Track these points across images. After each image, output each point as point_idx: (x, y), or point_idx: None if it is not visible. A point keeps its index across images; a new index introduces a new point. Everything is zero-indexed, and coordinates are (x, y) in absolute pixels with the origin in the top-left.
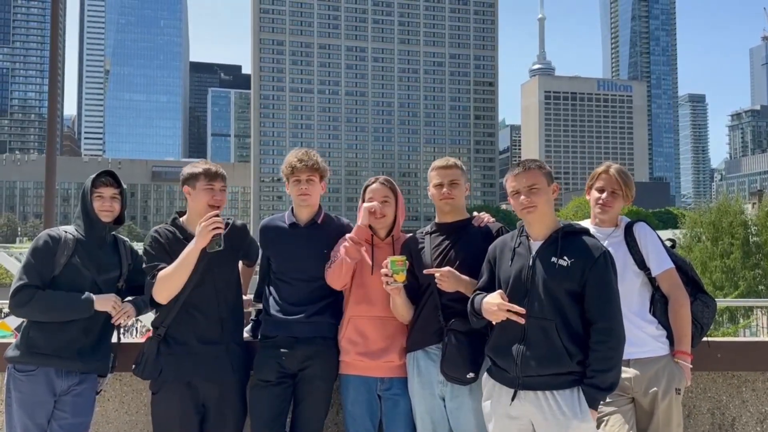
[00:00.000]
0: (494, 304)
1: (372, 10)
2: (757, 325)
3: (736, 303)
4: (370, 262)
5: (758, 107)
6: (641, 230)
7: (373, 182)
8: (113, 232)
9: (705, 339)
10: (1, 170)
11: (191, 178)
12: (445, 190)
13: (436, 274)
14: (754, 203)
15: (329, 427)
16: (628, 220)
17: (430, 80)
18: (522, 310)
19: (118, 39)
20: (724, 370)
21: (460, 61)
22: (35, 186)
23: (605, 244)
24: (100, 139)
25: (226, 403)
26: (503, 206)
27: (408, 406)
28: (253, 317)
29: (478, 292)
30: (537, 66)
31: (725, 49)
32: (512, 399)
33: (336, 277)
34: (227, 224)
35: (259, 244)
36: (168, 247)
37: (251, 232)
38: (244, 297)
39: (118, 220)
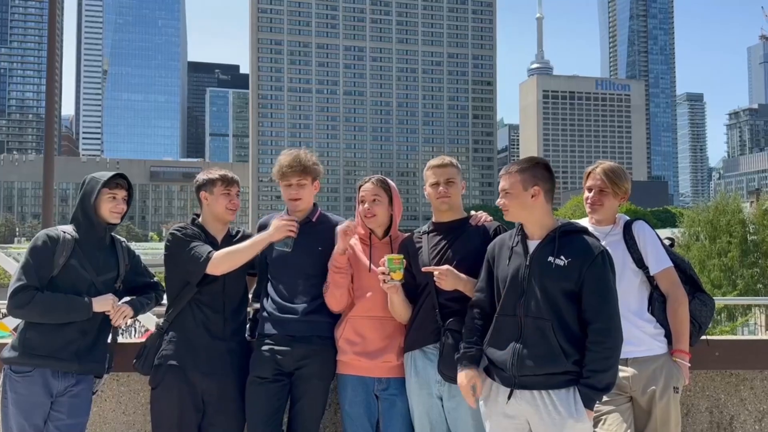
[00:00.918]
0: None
1: (370, 9)
2: (755, 323)
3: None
4: (368, 262)
5: (756, 106)
6: (640, 229)
7: (366, 182)
8: (111, 233)
9: (703, 337)
10: None
11: (208, 184)
12: (441, 188)
13: (435, 273)
14: (752, 202)
15: (327, 427)
16: (627, 218)
17: (428, 80)
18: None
19: (115, 39)
20: (722, 368)
21: (459, 61)
22: (33, 186)
23: (604, 243)
24: (99, 139)
25: (226, 401)
26: None
27: (405, 406)
28: (249, 316)
29: (474, 309)
30: (535, 65)
31: (723, 48)
32: (508, 398)
33: (333, 302)
34: (239, 233)
35: None
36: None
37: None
38: None
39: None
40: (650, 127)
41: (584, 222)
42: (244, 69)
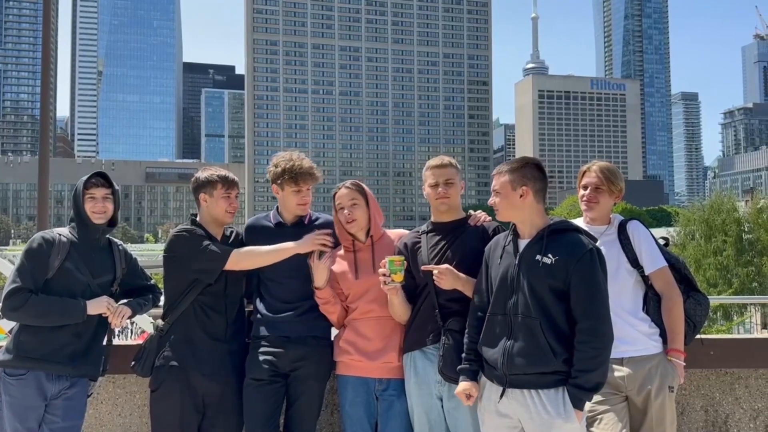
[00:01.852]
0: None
1: (365, 9)
2: (750, 321)
3: (729, 300)
4: (354, 270)
5: (750, 105)
6: (635, 228)
7: (340, 188)
8: (108, 235)
9: (698, 336)
10: None
11: (208, 185)
12: (440, 189)
13: (435, 272)
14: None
15: (324, 428)
16: (622, 218)
17: (424, 80)
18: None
19: (111, 40)
20: (717, 367)
21: (454, 61)
22: (28, 188)
23: (598, 242)
24: (94, 140)
25: (227, 402)
26: None
27: (403, 407)
28: None
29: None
30: (531, 65)
31: (718, 47)
32: (500, 397)
33: (331, 319)
34: (233, 233)
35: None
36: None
37: None
38: None
39: (112, 222)
40: (645, 127)
41: (579, 222)
42: (240, 70)
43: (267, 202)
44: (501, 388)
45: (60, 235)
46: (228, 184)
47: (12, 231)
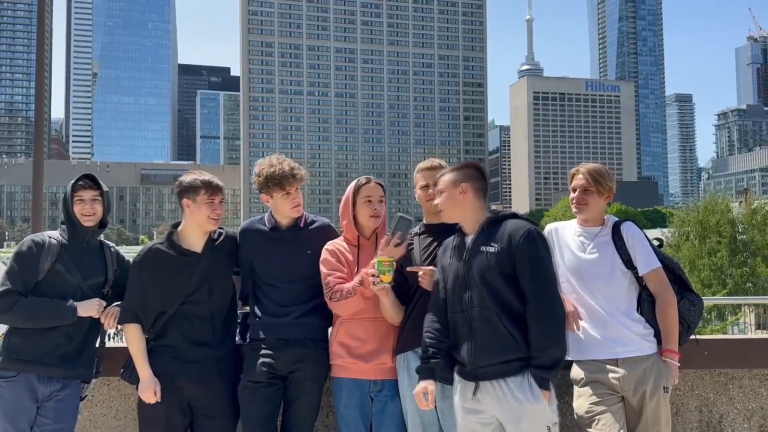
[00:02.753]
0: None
1: (360, 11)
2: (744, 322)
3: (723, 301)
4: (356, 264)
5: (744, 106)
6: (629, 230)
7: (367, 182)
8: (99, 237)
9: (692, 337)
10: None
11: (191, 191)
12: (431, 191)
13: (419, 272)
14: (740, 201)
15: (319, 429)
16: (616, 219)
17: (419, 81)
18: None
19: (105, 42)
20: (711, 367)
21: (449, 63)
22: (23, 190)
23: (592, 243)
24: (89, 142)
25: (215, 406)
26: (492, 206)
27: (397, 408)
28: (239, 320)
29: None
30: (525, 67)
31: (711, 49)
32: (474, 393)
33: (344, 309)
34: (221, 235)
35: (239, 247)
36: (154, 267)
37: None
38: None
39: (102, 224)
40: (640, 128)
41: (572, 223)
42: (235, 71)
43: (262, 204)
44: (473, 384)
45: (50, 237)
46: (212, 189)
47: (6, 233)
